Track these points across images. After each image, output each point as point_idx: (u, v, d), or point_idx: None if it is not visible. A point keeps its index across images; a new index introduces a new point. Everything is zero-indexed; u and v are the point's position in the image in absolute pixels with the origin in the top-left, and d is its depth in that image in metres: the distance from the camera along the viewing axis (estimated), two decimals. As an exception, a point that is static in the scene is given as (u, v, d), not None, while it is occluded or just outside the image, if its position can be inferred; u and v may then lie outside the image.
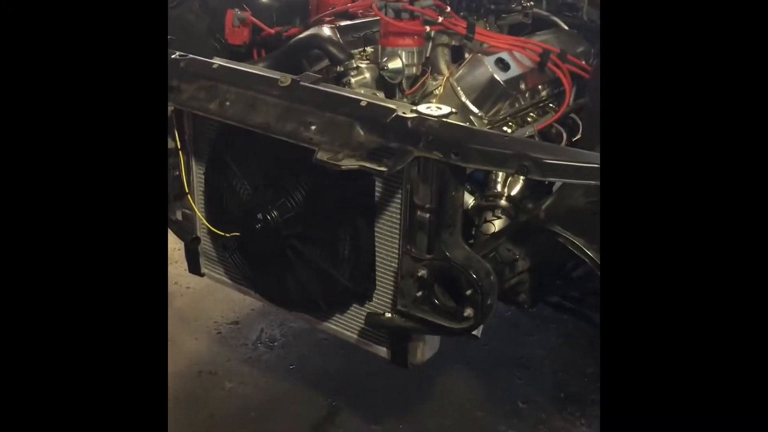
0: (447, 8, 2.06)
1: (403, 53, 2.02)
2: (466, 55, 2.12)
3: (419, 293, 1.63)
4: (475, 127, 1.81)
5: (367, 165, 1.52)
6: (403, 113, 1.56)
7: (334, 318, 1.89)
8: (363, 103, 1.62)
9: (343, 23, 2.24)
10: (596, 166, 1.41)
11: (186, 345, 2.66)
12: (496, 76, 1.97)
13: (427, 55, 2.08)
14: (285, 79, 1.73)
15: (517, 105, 2.05)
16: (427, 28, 2.04)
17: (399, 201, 1.64)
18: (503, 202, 1.86)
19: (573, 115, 2.12)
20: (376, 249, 1.72)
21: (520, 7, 2.29)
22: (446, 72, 2.06)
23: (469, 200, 1.91)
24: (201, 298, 2.90)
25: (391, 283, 1.72)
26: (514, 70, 2.02)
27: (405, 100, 2.03)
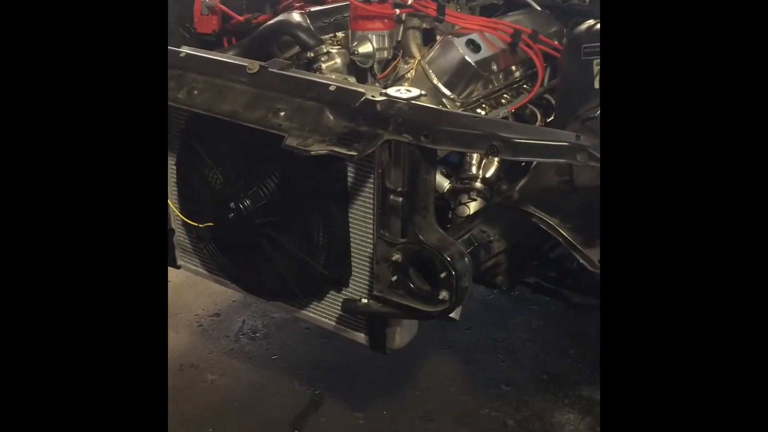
0: (417, -10, 2.04)
1: (374, 37, 1.99)
2: (438, 38, 2.11)
3: (394, 278, 1.62)
4: (444, 109, 1.79)
5: (337, 150, 1.51)
6: (372, 96, 1.54)
7: (311, 306, 1.87)
8: (332, 88, 1.60)
9: (313, 9, 2.20)
10: (567, 144, 1.41)
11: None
12: (467, 57, 1.95)
13: (398, 38, 2.06)
14: (253, 65, 1.71)
15: (490, 86, 2.03)
16: (397, 11, 2.02)
17: (371, 185, 1.62)
18: (478, 184, 1.86)
19: (547, 96, 2.11)
20: (351, 234, 1.71)
21: (491, -12, 2.27)
22: (417, 55, 2.04)
23: (445, 183, 1.91)
24: (181, 291, 2.89)
25: (367, 269, 1.71)
26: (486, 51, 2.01)
27: (377, 84, 2.02)
